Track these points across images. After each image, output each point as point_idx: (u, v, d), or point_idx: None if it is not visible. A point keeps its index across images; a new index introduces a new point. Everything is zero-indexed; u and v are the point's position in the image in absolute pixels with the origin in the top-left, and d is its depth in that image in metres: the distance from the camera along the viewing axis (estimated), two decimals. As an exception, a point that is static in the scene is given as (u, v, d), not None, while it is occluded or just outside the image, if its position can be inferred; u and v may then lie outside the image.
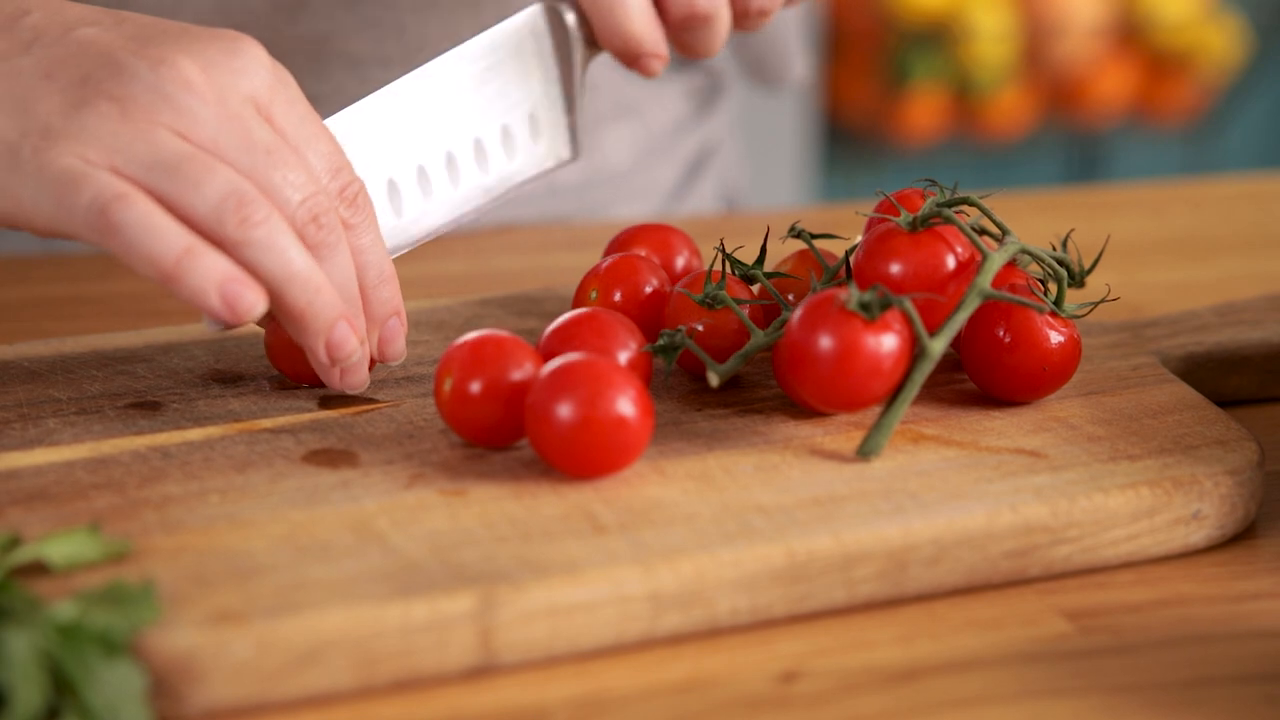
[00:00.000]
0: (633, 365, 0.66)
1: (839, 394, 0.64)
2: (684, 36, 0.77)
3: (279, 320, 0.65)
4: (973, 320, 0.68)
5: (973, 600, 0.61)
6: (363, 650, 0.55)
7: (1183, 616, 0.60)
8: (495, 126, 0.75)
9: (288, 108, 0.66)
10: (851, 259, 0.70)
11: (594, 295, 0.71)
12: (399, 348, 0.68)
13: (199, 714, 0.54)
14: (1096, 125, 2.49)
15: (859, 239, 0.70)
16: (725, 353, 0.69)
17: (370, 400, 0.69)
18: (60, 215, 0.63)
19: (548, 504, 0.61)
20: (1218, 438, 0.66)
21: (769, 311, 0.71)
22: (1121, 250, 0.88)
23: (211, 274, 0.62)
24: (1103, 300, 0.71)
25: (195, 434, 0.66)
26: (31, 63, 0.65)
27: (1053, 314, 0.68)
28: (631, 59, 0.76)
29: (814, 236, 0.72)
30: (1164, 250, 0.97)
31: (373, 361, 0.68)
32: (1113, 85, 2.44)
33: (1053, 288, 0.70)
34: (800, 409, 0.68)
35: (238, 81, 0.65)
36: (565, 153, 0.77)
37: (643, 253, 0.74)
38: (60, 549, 0.57)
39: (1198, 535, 0.64)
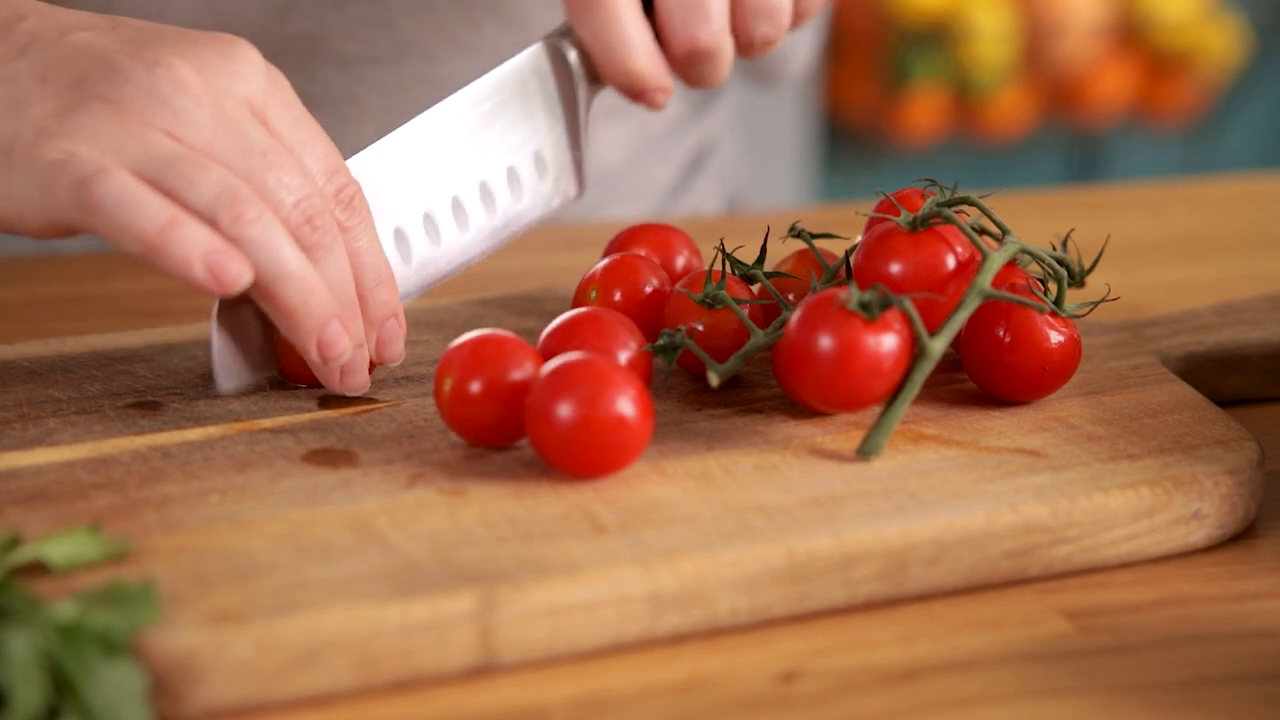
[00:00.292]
0: (633, 365, 0.66)
1: (839, 394, 0.64)
2: (687, 70, 0.76)
3: (271, 318, 0.65)
4: (973, 320, 0.68)
5: (973, 600, 0.61)
6: (363, 650, 0.55)
7: (1183, 616, 0.60)
8: (501, 168, 0.75)
9: (283, 110, 0.66)
10: (851, 259, 0.70)
11: (594, 295, 0.71)
12: (398, 349, 0.69)
13: (199, 714, 0.54)
14: (1096, 125, 2.49)
15: (859, 239, 0.70)
16: (725, 352, 0.69)
17: (370, 400, 0.69)
18: (45, 201, 0.62)
19: (548, 504, 0.61)
20: (1218, 437, 0.66)
21: (769, 311, 0.72)
22: (1121, 250, 0.88)
23: (196, 245, 0.62)
24: (1103, 300, 0.71)
25: (195, 434, 0.66)
26: (27, 67, 0.65)
27: (1053, 314, 0.68)
28: (636, 95, 0.75)
29: (814, 236, 0.72)
30: (1164, 250, 0.97)
31: (372, 364, 0.68)
32: (1113, 85, 2.44)
33: (1053, 287, 0.70)
34: (800, 409, 0.68)
35: (233, 84, 0.65)
36: (571, 190, 0.77)
37: (642, 253, 0.74)
38: (60, 549, 0.57)
39: (1198, 535, 0.64)
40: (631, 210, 1.05)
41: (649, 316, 0.70)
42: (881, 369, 0.63)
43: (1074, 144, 2.55)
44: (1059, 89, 2.43)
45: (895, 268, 0.67)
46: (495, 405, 0.64)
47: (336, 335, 0.65)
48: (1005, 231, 0.69)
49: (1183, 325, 0.77)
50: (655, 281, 0.71)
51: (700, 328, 0.69)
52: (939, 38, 2.36)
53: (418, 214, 0.73)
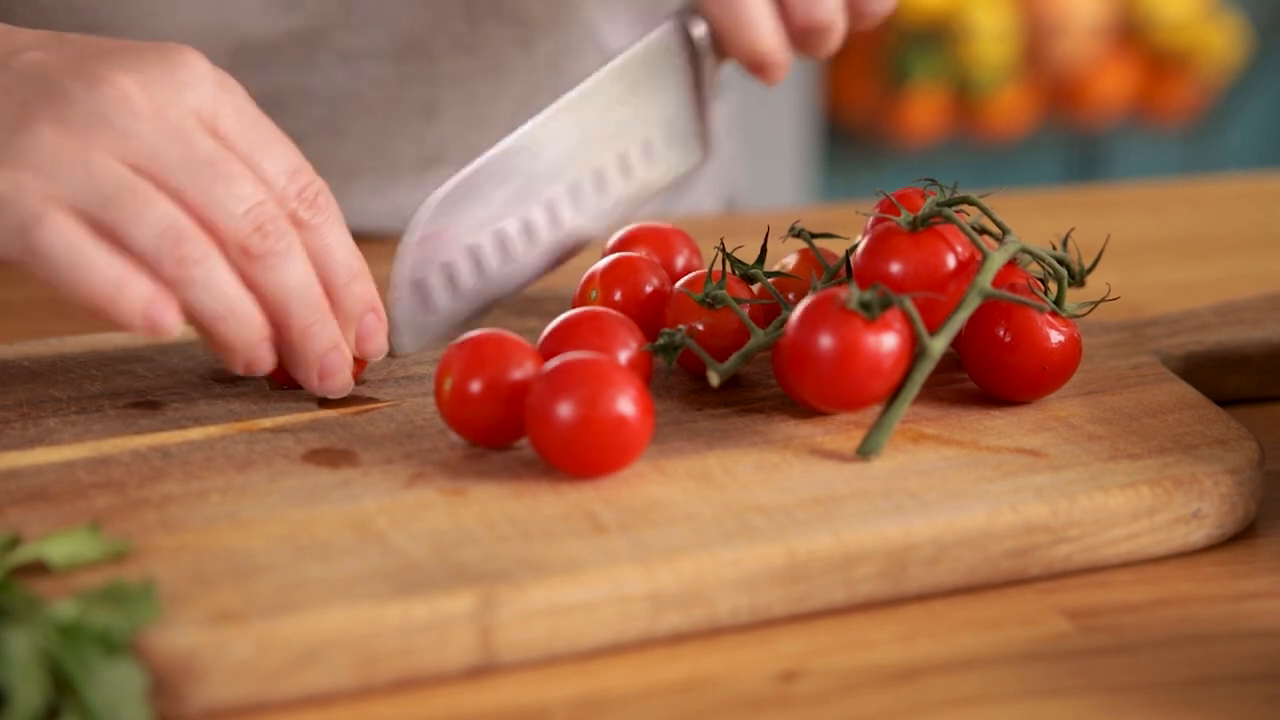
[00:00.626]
0: (633, 365, 0.66)
1: (839, 393, 0.64)
2: (802, 43, 0.80)
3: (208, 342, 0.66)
4: (973, 320, 0.68)
5: (973, 600, 0.61)
6: (363, 650, 0.55)
7: (1183, 616, 0.60)
8: (638, 139, 0.79)
9: (234, 116, 0.66)
10: (852, 258, 0.70)
11: (594, 295, 0.71)
12: (378, 343, 0.69)
13: (199, 713, 0.54)
14: (1096, 125, 2.49)
15: (859, 239, 0.70)
16: (725, 352, 0.69)
17: (370, 400, 0.69)
18: None
19: (548, 503, 0.61)
20: (1218, 437, 0.66)
21: (769, 311, 0.71)
22: (1122, 250, 0.88)
23: (136, 304, 0.62)
24: (1103, 300, 0.71)
25: (195, 433, 0.66)
26: None
27: (1053, 313, 0.68)
28: (758, 69, 0.79)
29: (814, 236, 0.72)
30: (1164, 250, 0.97)
31: (361, 366, 0.68)
32: (1113, 85, 2.44)
33: (1053, 287, 0.70)
34: (800, 408, 0.68)
35: (179, 95, 0.65)
36: (696, 156, 0.81)
37: (643, 252, 0.74)
38: (60, 548, 0.57)
39: (1198, 534, 0.64)
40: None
41: (649, 316, 0.70)
42: (882, 368, 0.63)
43: (1074, 143, 2.55)
44: (1059, 88, 2.43)
45: (895, 267, 0.67)
46: (495, 405, 0.64)
47: (262, 356, 0.66)
48: (1005, 231, 0.69)
49: (1183, 325, 0.77)
50: (655, 281, 0.71)
51: (700, 327, 0.69)
52: (939, 37, 2.36)
53: (566, 185, 0.76)
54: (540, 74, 0.95)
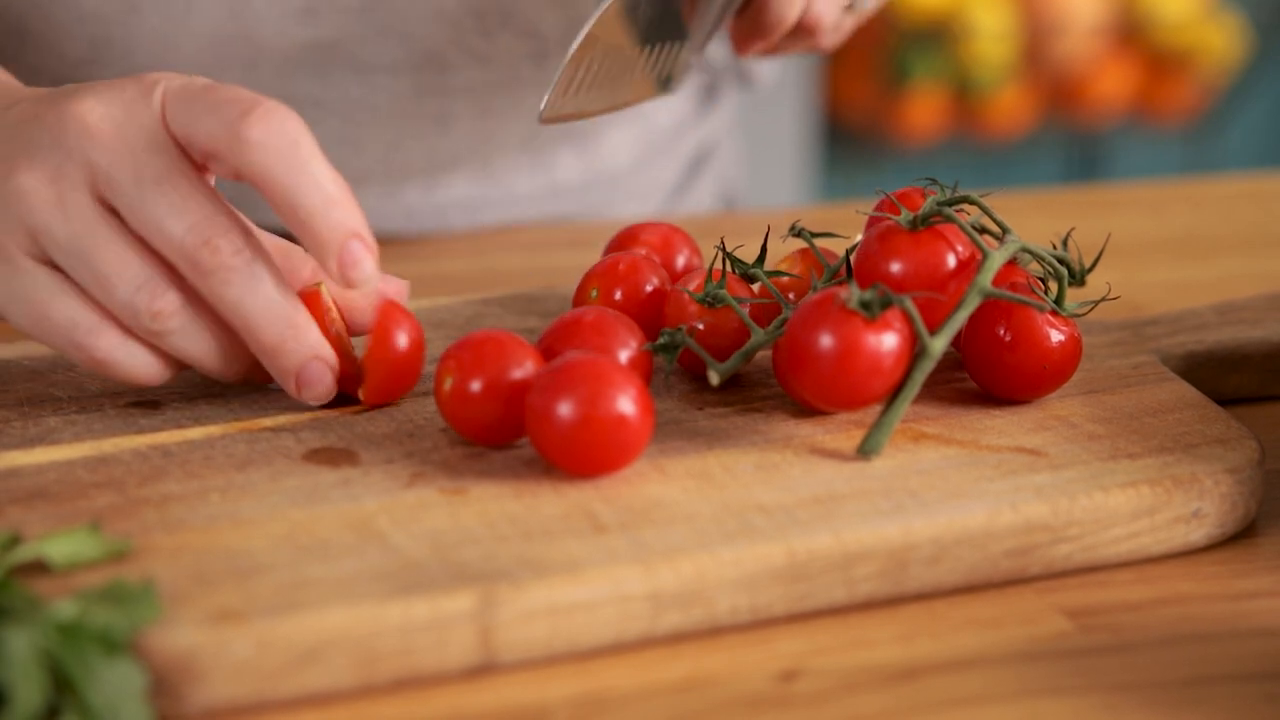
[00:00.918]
0: (633, 364, 0.66)
1: (839, 393, 0.64)
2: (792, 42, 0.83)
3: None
4: (973, 319, 0.68)
5: (973, 599, 0.61)
6: (363, 649, 0.55)
7: (1183, 615, 0.60)
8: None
9: (180, 87, 0.65)
10: (852, 258, 0.70)
11: (594, 294, 0.71)
12: (364, 271, 0.64)
13: (199, 713, 0.54)
14: (1096, 124, 2.49)
15: (859, 238, 0.70)
16: (726, 351, 0.69)
17: (370, 399, 0.69)
18: None
19: (548, 503, 0.61)
20: (1218, 436, 0.66)
21: (769, 310, 0.71)
22: (1122, 249, 0.88)
23: (109, 353, 0.64)
24: (1103, 299, 0.71)
25: (196, 433, 0.66)
26: None
27: (1053, 313, 0.68)
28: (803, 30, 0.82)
29: (814, 235, 0.72)
30: (1164, 249, 0.97)
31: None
32: (1113, 84, 2.44)
33: (1053, 286, 0.70)
34: (801, 408, 0.68)
35: (135, 112, 0.64)
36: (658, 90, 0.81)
37: (643, 252, 0.74)
38: (60, 548, 0.57)
39: (1198, 534, 0.64)
40: (636, 210, 1.05)
41: (649, 315, 0.70)
42: (882, 368, 0.63)
43: (1074, 143, 2.55)
44: (1059, 88, 2.43)
45: (896, 267, 0.67)
46: (496, 404, 0.64)
47: (245, 374, 0.66)
48: (1005, 230, 0.69)
49: (1183, 324, 0.77)
50: (656, 280, 0.71)
51: (701, 327, 0.69)
52: (939, 37, 2.36)
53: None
54: None
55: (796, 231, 0.72)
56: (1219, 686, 0.56)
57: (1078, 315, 0.69)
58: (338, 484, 0.62)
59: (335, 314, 0.68)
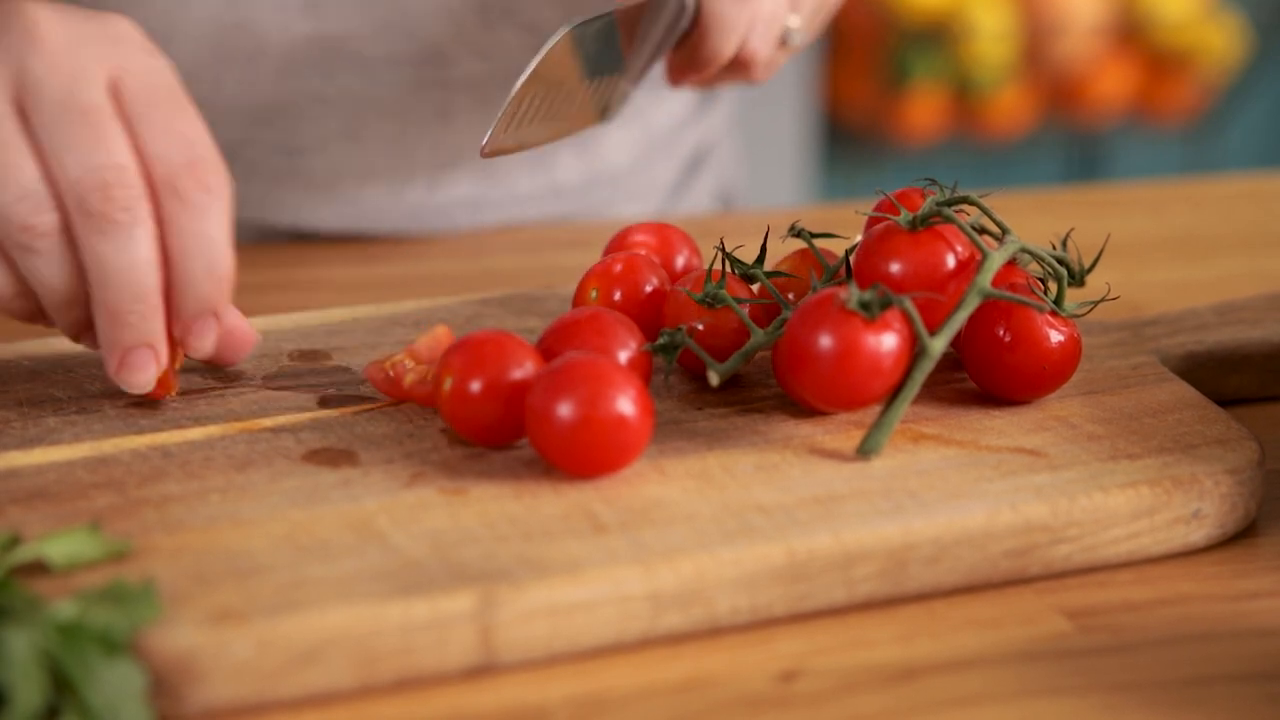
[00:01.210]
0: (633, 364, 0.66)
1: (839, 393, 0.64)
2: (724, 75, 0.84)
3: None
4: (973, 319, 0.68)
5: (973, 599, 0.61)
6: (363, 649, 0.55)
7: (1183, 615, 0.60)
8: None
9: (142, 80, 0.65)
10: (851, 258, 0.70)
11: (594, 294, 0.71)
12: (204, 346, 0.66)
13: (199, 713, 0.54)
14: (1096, 124, 2.49)
15: (859, 238, 0.70)
16: (725, 352, 0.69)
17: (370, 399, 0.69)
18: None
19: (548, 503, 0.61)
20: (1218, 437, 0.66)
21: (769, 311, 0.71)
22: (1121, 249, 0.88)
23: None
24: (1103, 299, 0.71)
25: (196, 433, 0.66)
26: None
27: (1053, 313, 0.68)
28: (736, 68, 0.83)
29: (814, 236, 0.72)
30: (1164, 249, 0.97)
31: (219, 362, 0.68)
32: (1113, 84, 2.44)
33: (1053, 287, 0.70)
34: (800, 408, 0.68)
35: (90, 43, 0.64)
36: (597, 119, 0.82)
37: (643, 252, 0.74)
38: (60, 548, 0.57)
39: (1198, 534, 0.64)
40: (635, 210, 1.05)
41: (649, 316, 0.70)
42: (881, 368, 0.63)
43: (1074, 143, 2.55)
44: (1059, 88, 2.43)
45: (895, 267, 0.67)
46: (495, 404, 0.64)
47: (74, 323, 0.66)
48: (1005, 231, 0.69)
49: (1183, 324, 0.77)
50: (655, 281, 0.71)
51: (700, 327, 0.69)
52: (939, 37, 2.36)
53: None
54: None
55: (796, 232, 0.72)
56: (1219, 687, 0.56)
57: (1077, 316, 0.69)
58: (338, 484, 0.62)
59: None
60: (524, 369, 0.64)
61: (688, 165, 1.10)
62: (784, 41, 0.85)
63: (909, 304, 0.64)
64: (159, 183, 0.64)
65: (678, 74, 0.85)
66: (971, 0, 2.35)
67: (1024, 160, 2.51)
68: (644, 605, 0.57)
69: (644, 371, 0.67)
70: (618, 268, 0.72)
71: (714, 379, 0.67)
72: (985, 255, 0.67)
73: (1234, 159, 2.54)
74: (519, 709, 0.55)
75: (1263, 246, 0.98)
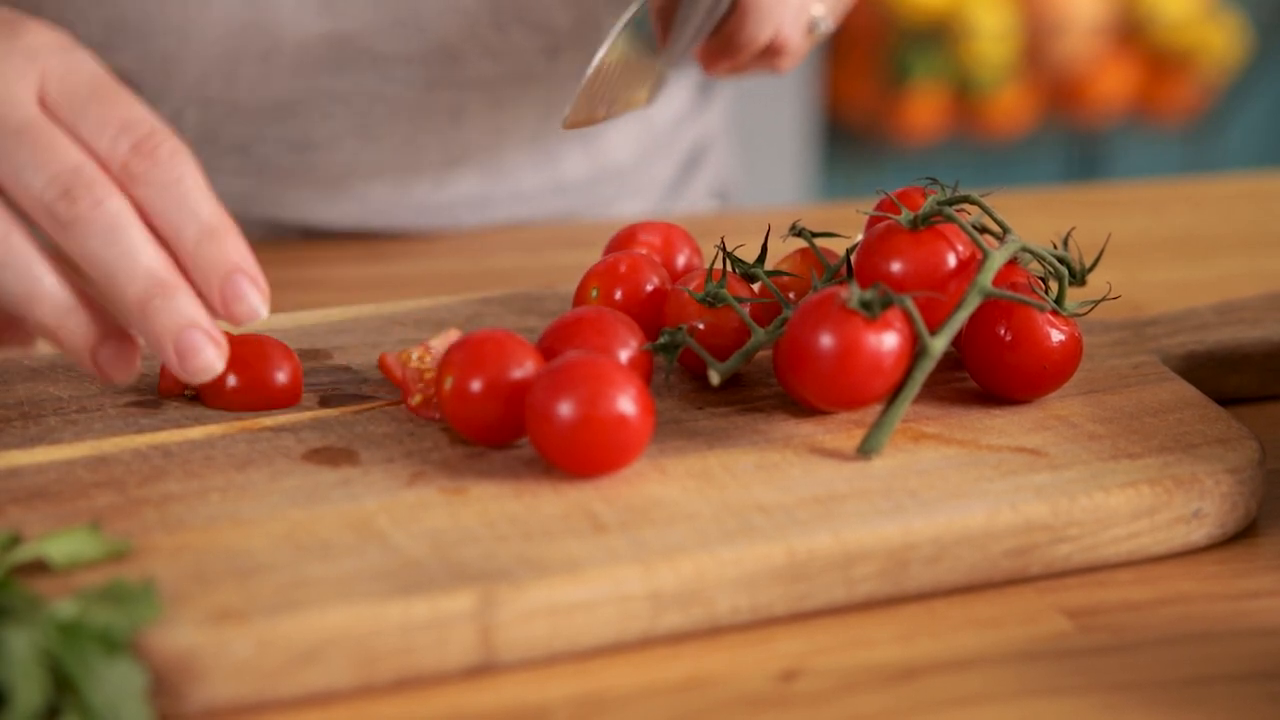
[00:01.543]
0: (633, 364, 0.66)
1: (840, 392, 0.64)
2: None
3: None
4: (973, 319, 0.68)
5: (973, 599, 0.61)
6: (363, 649, 0.55)
7: (1183, 615, 0.60)
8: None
9: (63, 81, 0.63)
10: (852, 257, 0.70)
11: (595, 293, 0.71)
12: (248, 307, 0.62)
13: (199, 712, 0.54)
14: (1097, 124, 2.49)
15: (860, 237, 0.70)
16: (726, 351, 0.69)
17: (371, 398, 0.69)
18: None
19: (548, 503, 0.61)
20: (1218, 436, 0.66)
21: (770, 310, 0.71)
22: (1122, 249, 0.88)
23: None
24: (1103, 299, 0.71)
25: (196, 432, 0.66)
26: None
27: (1053, 312, 0.68)
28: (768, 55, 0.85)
29: (815, 235, 0.72)
30: (1164, 249, 0.97)
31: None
32: (1113, 84, 2.44)
33: (1053, 286, 0.70)
34: (801, 407, 0.68)
35: (13, 64, 0.62)
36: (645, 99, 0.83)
37: (643, 251, 0.74)
38: (61, 547, 0.57)
39: (1198, 534, 0.64)
40: (635, 206, 1.06)
41: (650, 315, 0.70)
42: (882, 367, 0.63)
43: (1074, 142, 2.55)
44: (1059, 87, 2.43)
45: (896, 266, 0.67)
46: (496, 404, 0.64)
47: (110, 359, 0.62)
48: (1006, 230, 0.69)
49: (1183, 324, 0.77)
50: (656, 280, 0.71)
51: (701, 326, 0.69)
52: (939, 36, 2.36)
53: None
54: (565, 82, 0.95)
55: (797, 231, 0.72)
56: (1219, 686, 0.56)
57: (1078, 315, 0.69)
58: (338, 484, 0.62)
59: None
60: (524, 368, 0.64)
61: (686, 162, 1.11)
62: (810, 30, 0.86)
63: (910, 303, 0.64)
64: (117, 175, 0.62)
65: (712, 59, 0.85)
66: (972, 0, 2.35)
67: (1024, 160, 2.51)
68: (644, 605, 0.57)
69: (644, 371, 0.67)
70: (619, 267, 0.72)
71: (715, 378, 0.67)
72: (986, 254, 0.67)
73: (1234, 159, 2.55)
74: (519, 709, 0.55)
75: (1263, 246, 0.98)
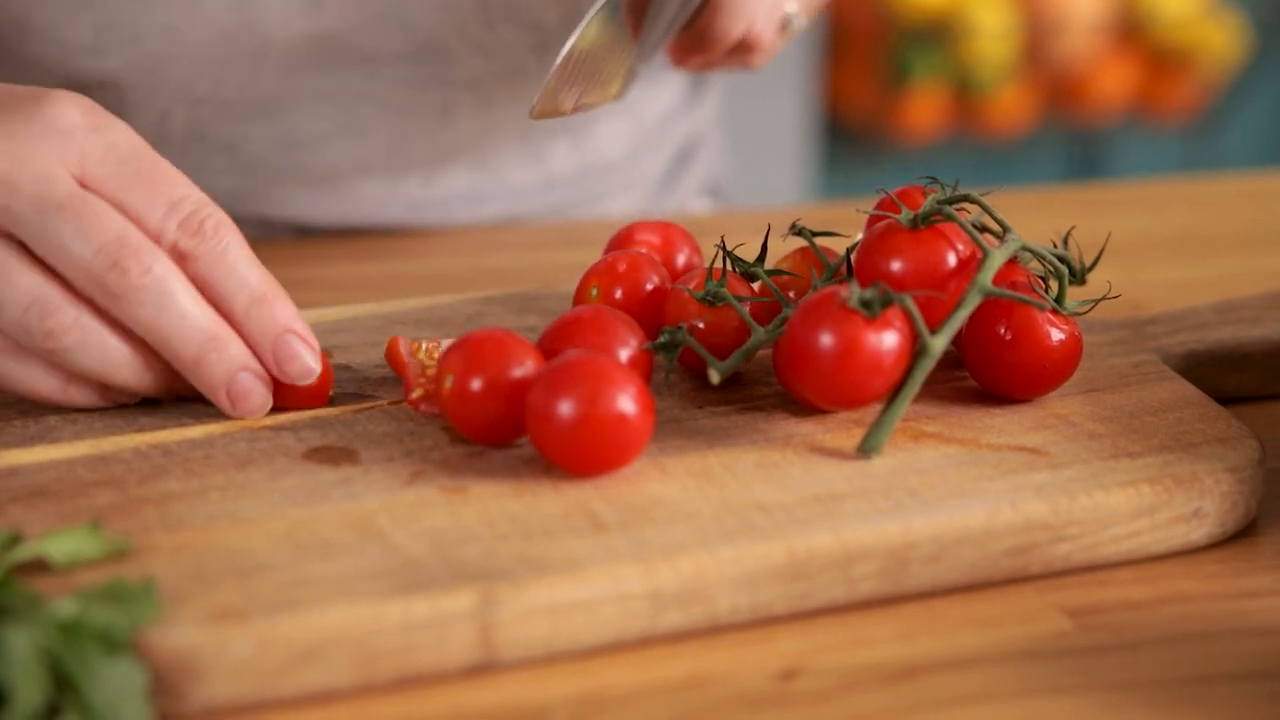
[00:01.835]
0: (633, 363, 0.66)
1: (840, 391, 0.64)
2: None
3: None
4: (974, 318, 0.68)
5: (973, 598, 0.61)
6: (363, 648, 0.55)
7: (1183, 614, 0.60)
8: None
9: (103, 157, 0.65)
10: (852, 256, 0.70)
11: (595, 293, 0.71)
12: (300, 366, 0.66)
13: (199, 711, 0.54)
14: (1097, 123, 2.49)
15: (860, 237, 0.70)
16: (726, 350, 0.69)
17: (371, 398, 0.69)
18: None
19: (548, 502, 0.61)
20: (1218, 435, 0.66)
21: (770, 309, 0.71)
22: (1122, 248, 0.88)
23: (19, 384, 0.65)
24: (1103, 298, 0.71)
25: (196, 431, 0.66)
26: None
27: (1054, 311, 0.68)
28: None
29: (815, 234, 0.72)
30: (1164, 248, 0.97)
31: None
32: (1113, 83, 2.44)
33: (1054, 285, 0.70)
34: (801, 406, 0.68)
35: (37, 146, 0.64)
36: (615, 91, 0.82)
37: (644, 250, 0.74)
38: (61, 546, 0.57)
39: (1198, 533, 0.64)
40: (627, 201, 1.06)
41: (650, 314, 0.70)
42: (882, 366, 0.63)
43: (1075, 142, 2.55)
44: (1059, 87, 2.43)
45: (896, 265, 0.67)
46: (496, 403, 0.64)
47: (169, 390, 0.66)
48: (1006, 229, 0.69)
49: (1183, 323, 0.77)
50: (656, 279, 0.71)
51: (701, 325, 0.69)
52: (939, 35, 2.36)
53: None
54: None
55: (797, 230, 0.72)
56: (1220, 685, 0.56)
57: (1078, 314, 0.69)
58: (338, 482, 0.62)
59: None
60: (524, 367, 0.64)
61: (677, 157, 1.11)
62: (784, 26, 0.86)
63: (910, 302, 0.64)
64: (165, 250, 0.64)
65: (683, 54, 0.85)
66: (972, -1, 2.36)
67: (1024, 159, 2.51)
68: (644, 604, 0.57)
69: (644, 370, 0.67)
70: (619, 266, 0.72)
71: (715, 377, 0.67)
72: (986, 253, 0.67)
73: (1234, 158, 2.55)
74: (519, 708, 0.55)
75: (1263, 245, 0.98)
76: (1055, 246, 0.71)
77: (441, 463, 0.64)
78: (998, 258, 0.67)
